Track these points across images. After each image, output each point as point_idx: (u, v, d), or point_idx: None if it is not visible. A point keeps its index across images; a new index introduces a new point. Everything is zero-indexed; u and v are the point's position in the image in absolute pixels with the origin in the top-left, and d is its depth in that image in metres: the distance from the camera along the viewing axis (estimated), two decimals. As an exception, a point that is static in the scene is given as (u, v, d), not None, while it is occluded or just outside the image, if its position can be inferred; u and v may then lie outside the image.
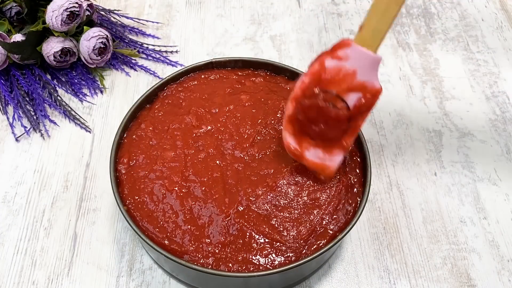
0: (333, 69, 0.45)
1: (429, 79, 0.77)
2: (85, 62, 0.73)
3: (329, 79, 0.46)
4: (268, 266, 0.48)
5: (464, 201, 0.63)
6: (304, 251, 0.49)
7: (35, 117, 0.70)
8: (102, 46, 0.72)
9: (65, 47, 0.71)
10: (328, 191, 0.52)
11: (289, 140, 0.50)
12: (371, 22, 0.44)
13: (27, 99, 0.72)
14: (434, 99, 0.74)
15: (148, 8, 0.87)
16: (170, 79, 0.62)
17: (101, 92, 0.74)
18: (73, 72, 0.76)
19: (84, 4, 0.72)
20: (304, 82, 0.47)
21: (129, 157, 0.55)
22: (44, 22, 0.70)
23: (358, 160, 0.55)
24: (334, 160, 0.50)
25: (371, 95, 0.46)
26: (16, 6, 0.73)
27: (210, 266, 0.48)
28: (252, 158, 0.55)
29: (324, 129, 0.48)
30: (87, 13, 0.73)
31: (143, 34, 0.82)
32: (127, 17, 0.83)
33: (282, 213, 0.51)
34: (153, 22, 0.84)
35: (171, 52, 0.80)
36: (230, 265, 0.48)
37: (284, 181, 0.53)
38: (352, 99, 0.46)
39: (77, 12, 0.70)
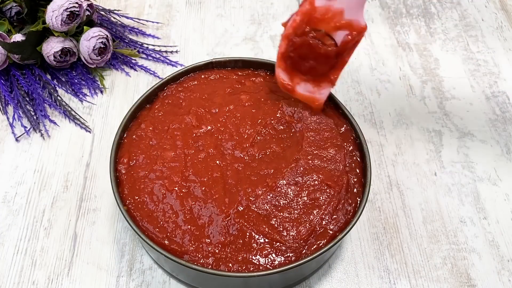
0: (322, 8, 0.49)
1: (429, 79, 0.77)
2: (85, 62, 0.73)
3: (318, 18, 0.49)
4: (268, 266, 0.48)
5: (464, 201, 0.63)
6: (304, 251, 0.49)
7: (35, 117, 0.70)
8: (102, 46, 0.72)
9: (65, 47, 0.71)
10: (328, 191, 0.52)
11: (282, 76, 0.54)
12: None
13: (27, 99, 0.72)
14: (434, 99, 0.74)
15: (148, 8, 0.87)
16: (170, 79, 0.62)
17: (101, 92, 0.74)
18: (73, 72, 0.76)
19: (84, 4, 0.72)
20: (296, 20, 0.50)
21: (129, 157, 0.55)
22: (44, 22, 0.70)
23: (358, 160, 0.55)
24: (323, 93, 0.54)
25: (357, 32, 0.50)
26: (16, 6, 0.73)
27: (210, 266, 0.48)
28: (252, 158, 0.55)
29: (314, 64, 0.52)
30: (87, 13, 0.73)
31: (143, 34, 0.82)
32: (127, 17, 0.83)
33: (282, 213, 0.51)
34: (153, 22, 0.84)
35: (171, 52, 0.80)
36: (230, 265, 0.48)
37: (284, 181, 0.53)
38: (339, 36, 0.50)
39: (77, 12, 0.70)
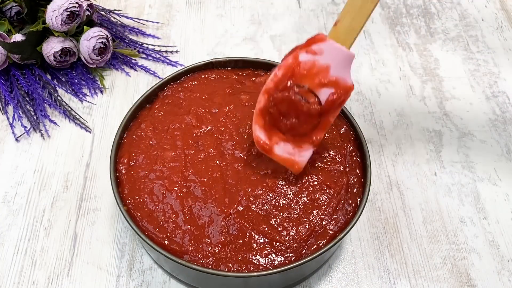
0: (307, 63, 0.46)
1: (429, 79, 0.77)
2: (85, 62, 0.73)
3: (302, 73, 0.46)
4: (268, 266, 0.48)
5: (464, 201, 0.63)
6: (304, 251, 0.49)
7: (35, 117, 0.70)
8: (102, 46, 0.72)
9: (65, 47, 0.71)
10: (327, 191, 0.52)
11: (259, 134, 0.50)
12: (346, 19, 0.44)
13: (27, 99, 0.72)
14: (434, 99, 0.74)
15: (148, 8, 0.87)
16: (170, 79, 0.62)
17: (101, 92, 0.74)
18: (73, 72, 0.76)
19: (84, 4, 0.72)
20: (277, 75, 0.47)
21: (129, 157, 0.55)
22: (44, 22, 0.70)
23: (358, 160, 0.55)
24: (303, 155, 0.50)
25: (343, 92, 0.47)
26: (16, 6, 0.73)
27: (210, 266, 0.48)
28: (252, 158, 0.55)
29: (295, 123, 0.48)
30: (87, 13, 0.73)
31: (143, 34, 0.82)
32: (127, 17, 0.83)
33: (281, 213, 0.51)
34: (153, 22, 0.84)
35: (171, 52, 0.80)
36: (230, 265, 0.48)
37: (284, 181, 0.53)
38: (324, 94, 0.47)
39: (77, 12, 0.70)
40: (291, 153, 0.50)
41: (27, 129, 0.69)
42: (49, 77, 0.75)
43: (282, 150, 0.50)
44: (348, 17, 0.44)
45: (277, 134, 0.50)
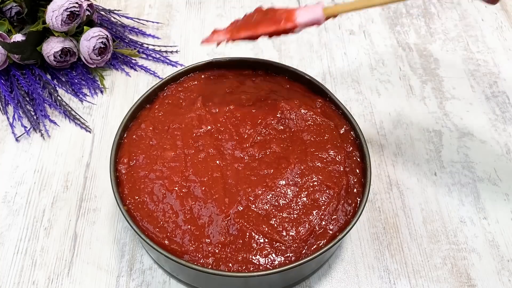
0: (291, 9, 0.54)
1: (429, 79, 0.77)
2: (85, 62, 0.73)
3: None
4: (268, 266, 0.48)
5: (464, 201, 0.63)
6: (304, 251, 0.49)
7: (35, 117, 0.70)
8: (102, 46, 0.72)
9: (65, 47, 0.71)
10: (327, 191, 0.52)
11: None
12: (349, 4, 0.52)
13: (27, 99, 0.72)
14: (434, 99, 0.74)
15: (148, 8, 0.87)
16: (170, 79, 0.62)
17: (101, 92, 0.74)
18: (73, 72, 0.76)
19: (84, 4, 0.71)
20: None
21: (129, 157, 0.55)
22: (44, 22, 0.70)
23: (358, 161, 0.55)
24: (219, 38, 0.56)
25: (285, 22, 0.54)
26: (16, 6, 0.73)
27: (210, 266, 0.48)
28: (252, 158, 0.55)
29: (250, 19, 0.57)
30: (87, 13, 0.73)
31: (143, 34, 0.82)
32: (127, 17, 0.83)
33: (281, 213, 0.51)
34: (153, 22, 0.84)
35: (171, 52, 0.80)
36: (230, 265, 0.48)
37: (284, 181, 0.53)
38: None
39: (77, 12, 0.70)
40: (217, 35, 0.57)
41: (27, 129, 0.69)
42: (49, 77, 0.75)
43: (218, 35, 0.57)
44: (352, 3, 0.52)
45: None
